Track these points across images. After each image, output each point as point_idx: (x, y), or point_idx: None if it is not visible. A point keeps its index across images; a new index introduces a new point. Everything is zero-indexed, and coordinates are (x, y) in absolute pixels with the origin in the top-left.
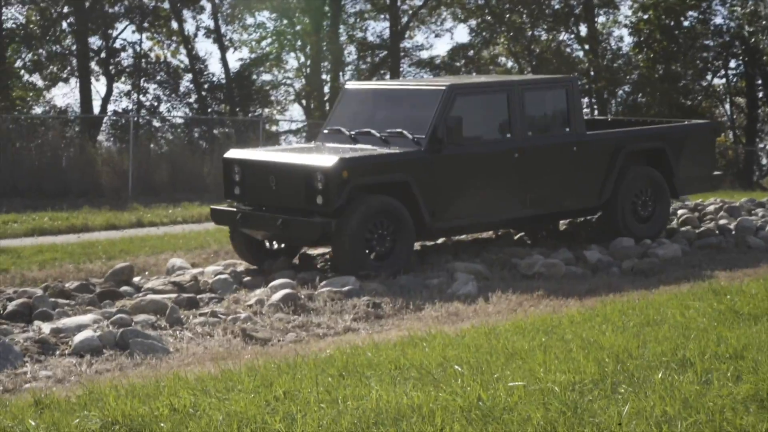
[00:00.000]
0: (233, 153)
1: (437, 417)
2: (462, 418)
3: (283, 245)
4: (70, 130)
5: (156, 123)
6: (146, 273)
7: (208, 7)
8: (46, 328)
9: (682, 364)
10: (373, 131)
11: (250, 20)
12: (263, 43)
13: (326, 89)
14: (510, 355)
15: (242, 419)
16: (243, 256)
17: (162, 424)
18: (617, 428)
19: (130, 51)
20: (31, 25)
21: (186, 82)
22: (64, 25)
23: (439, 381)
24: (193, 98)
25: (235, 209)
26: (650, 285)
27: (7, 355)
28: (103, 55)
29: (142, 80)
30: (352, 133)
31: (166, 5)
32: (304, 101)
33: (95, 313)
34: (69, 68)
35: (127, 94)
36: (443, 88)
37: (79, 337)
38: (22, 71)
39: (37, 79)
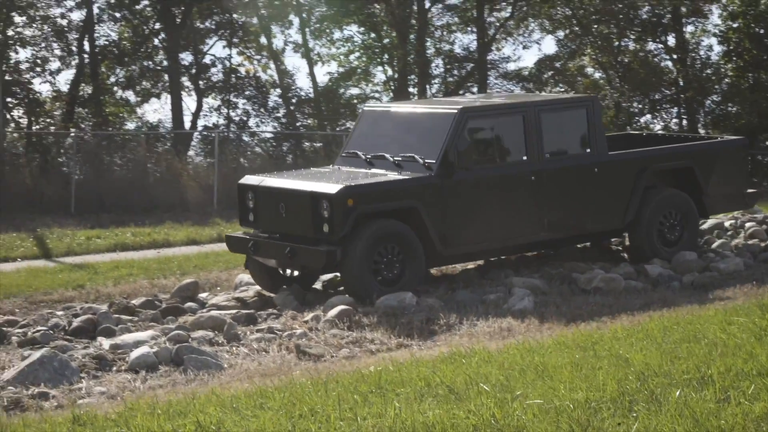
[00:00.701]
0: (247, 179)
1: None
2: None
3: (296, 272)
4: (160, 146)
5: (245, 138)
6: (217, 288)
7: (297, 21)
8: (106, 344)
9: (703, 381)
10: (387, 155)
11: (337, 34)
12: (351, 57)
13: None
14: (540, 373)
15: None
16: (259, 282)
17: None
18: None
19: (220, 66)
20: (124, 42)
21: (274, 96)
22: (156, 41)
23: (462, 399)
24: (281, 113)
25: (247, 237)
26: (706, 300)
27: (63, 371)
28: (193, 71)
29: (231, 95)
30: (368, 157)
31: (255, 21)
32: None
33: (156, 329)
34: (161, 84)
35: (217, 109)
36: (455, 111)
37: (135, 353)
38: (116, 87)
39: (130, 95)
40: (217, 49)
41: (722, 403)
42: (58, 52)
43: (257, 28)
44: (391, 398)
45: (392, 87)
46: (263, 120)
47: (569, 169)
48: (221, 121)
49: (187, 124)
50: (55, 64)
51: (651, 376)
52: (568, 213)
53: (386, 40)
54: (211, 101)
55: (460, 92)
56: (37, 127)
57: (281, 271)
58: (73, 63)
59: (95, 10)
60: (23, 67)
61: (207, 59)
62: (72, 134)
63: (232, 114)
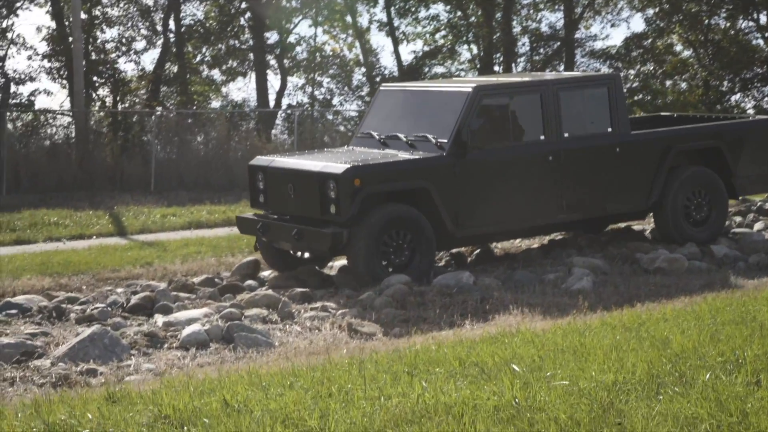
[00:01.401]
0: (257, 160)
1: (466, 416)
2: (490, 417)
3: (307, 254)
4: (244, 125)
5: (329, 116)
6: None
7: (382, 0)
8: (160, 321)
9: (737, 364)
10: (400, 135)
11: (423, 13)
12: (437, 36)
13: None
14: (576, 354)
15: (282, 416)
16: (270, 264)
17: (205, 420)
18: (640, 429)
19: (305, 45)
20: (210, 21)
21: (358, 75)
22: (242, 20)
23: (491, 379)
24: (365, 91)
25: (256, 218)
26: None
27: (114, 348)
28: (277, 50)
29: (315, 74)
30: (382, 137)
31: None
32: None
33: (210, 307)
34: (247, 63)
35: (301, 87)
36: (469, 89)
37: (186, 331)
38: (202, 66)
39: (216, 74)
40: (302, 27)
41: (752, 386)
42: (143, 31)
43: (342, 7)
44: (422, 378)
45: (477, 65)
46: (347, 99)
47: (589, 149)
48: (305, 99)
49: (272, 103)
50: (140, 44)
51: (686, 359)
52: (588, 194)
53: (472, 19)
54: (295, 80)
55: (547, 70)
56: (123, 106)
57: (293, 253)
58: (159, 42)
59: None
60: (109, 46)
61: (292, 38)
62: (156, 113)
63: (316, 93)
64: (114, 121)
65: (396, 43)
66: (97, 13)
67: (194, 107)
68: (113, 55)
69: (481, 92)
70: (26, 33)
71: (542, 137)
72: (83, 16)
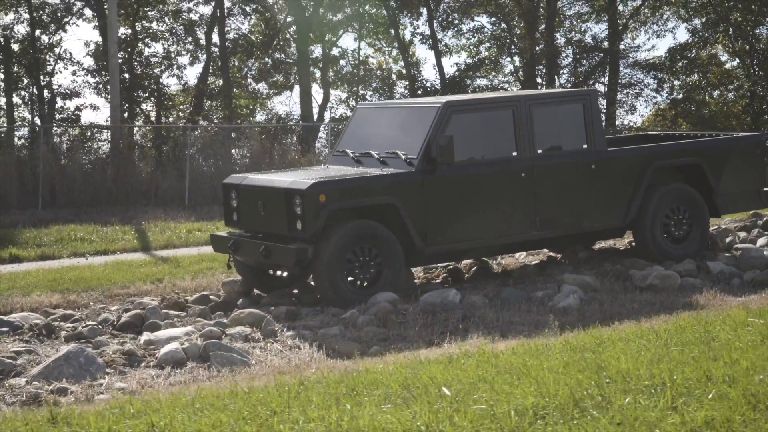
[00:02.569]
0: (231, 178)
1: None
2: None
3: (284, 273)
4: (287, 138)
5: None
6: None
7: (425, 12)
8: (142, 340)
9: (663, 388)
10: (373, 153)
11: (466, 25)
12: (481, 48)
13: None
14: (515, 376)
15: None
16: (247, 282)
17: None
18: None
19: (349, 58)
20: (255, 35)
21: (400, 88)
22: (287, 34)
23: (416, 403)
24: None
25: (229, 236)
26: (755, 299)
27: (89, 366)
28: (320, 64)
29: (359, 87)
30: (356, 155)
31: (384, 12)
32: None
33: (196, 325)
34: (292, 77)
35: (345, 101)
36: (438, 105)
37: (164, 350)
38: (249, 80)
39: (262, 88)
40: (346, 41)
41: (668, 411)
42: (188, 46)
43: (386, 20)
44: (354, 401)
45: (521, 77)
46: None
47: (564, 165)
48: (348, 113)
49: (315, 116)
50: (184, 58)
51: (617, 382)
52: (563, 211)
53: (516, 31)
54: (338, 93)
55: (589, 82)
56: (169, 120)
57: (270, 272)
58: (202, 57)
59: (226, 4)
60: (153, 61)
61: (335, 51)
62: (189, 127)
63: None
64: (157, 135)
65: (438, 55)
66: (141, 28)
67: (238, 121)
68: (157, 70)
69: (450, 108)
70: (74, 48)
71: (515, 153)
72: (128, 31)
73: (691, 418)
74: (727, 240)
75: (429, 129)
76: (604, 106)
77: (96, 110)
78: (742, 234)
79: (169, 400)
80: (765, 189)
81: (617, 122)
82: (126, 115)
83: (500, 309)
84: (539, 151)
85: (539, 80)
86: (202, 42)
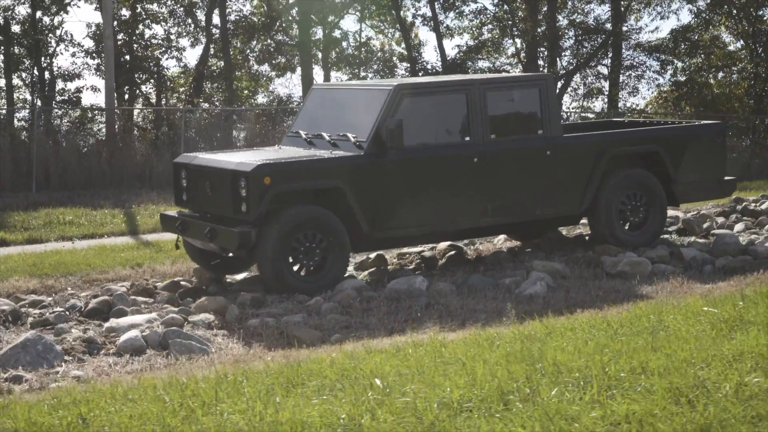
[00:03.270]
0: (181, 158)
1: None
2: None
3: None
4: (288, 119)
5: None
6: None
7: None
8: (104, 327)
9: (590, 380)
10: (324, 134)
11: (468, 7)
12: (483, 29)
13: None
14: (457, 367)
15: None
16: (197, 262)
17: None
18: None
19: (351, 40)
20: (257, 17)
21: (401, 70)
22: (290, 16)
23: (345, 395)
24: None
25: (176, 216)
26: (718, 287)
27: (47, 354)
28: (321, 45)
29: (360, 69)
30: (309, 136)
31: None
32: None
33: (160, 312)
34: (296, 59)
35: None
36: (389, 88)
37: (123, 337)
38: (251, 62)
39: (265, 70)
40: (347, 23)
41: (594, 404)
42: (188, 28)
43: (388, 1)
44: (286, 393)
45: (522, 60)
46: None
47: (518, 152)
48: None
49: None
50: (184, 40)
51: (550, 373)
52: (516, 197)
53: (520, 14)
54: (340, 75)
55: (591, 64)
56: (170, 102)
57: (220, 252)
58: (202, 39)
59: None
60: (153, 42)
61: (337, 33)
62: (192, 110)
63: None
64: (158, 117)
65: (440, 37)
66: (141, 9)
67: (238, 104)
68: (157, 52)
69: (402, 91)
70: (75, 30)
71: (467, 138)
72: (128, 12)
73: (612, 412)
74: (705, 225)
75: (379, 112)
76: (607, 88)
77: (97, 92)
78: (720, 219)
79: (109, 390)
80: (726, 178)
81: (620, 104)
82: (126, 97)
83: (466, 296)
84: (493, 137)
85: (541, 62)
86: (203, 24)
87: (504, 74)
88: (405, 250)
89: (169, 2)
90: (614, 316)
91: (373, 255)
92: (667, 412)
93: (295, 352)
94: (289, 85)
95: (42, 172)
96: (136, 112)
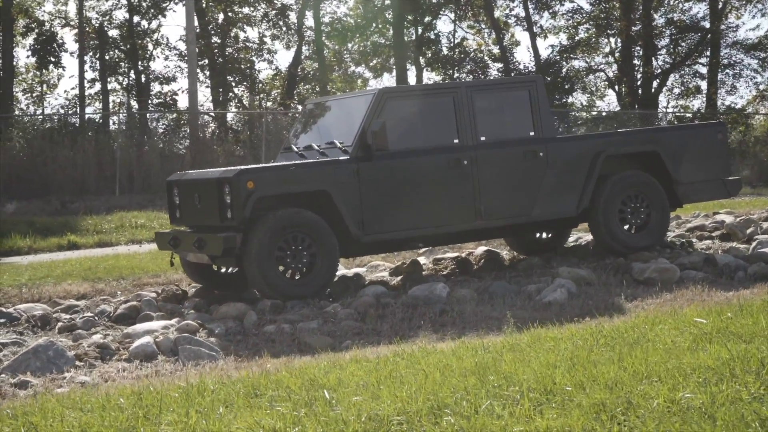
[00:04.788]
0: (173, 176)
1: None
2: None
3: (233, 269)
4: None
5: None
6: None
7: None
8: (121, 333)
9: (530, 393)
10: (314, 145)
11: (564, 6)
12: (579, 29)
13: (638, 75)
14: (422, 378)
15: None
16: (195, 279)
17: None
18: None
19: (444, 41)
20: (356, 18)
21: (494, 70)
22: (386, 16)
23: (288, 405)
24: None
25: (168, 232)
26: (744, 294)
27: (57, 360)
28: (412, 46)
29: (453, 70)
30: (300, 149)
31: None
32: (616, 87)
33: (180, 318)
34: (392, 60)
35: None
36: (373, 93)
37: (136, 343)
38: (348, 63)
39: (361, 70)
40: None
41: (522, 418)
42: (281, 30)
43: (482, 2)
44: (244, 403)
45: (618, 59)
46: None
47: (509, 153)
48: None
49: None
50: (277, 43)
51: (495, 386)
52: (509, 200)
53: (615, 13)
54: (432, 75)
55: (687, 63)
56: (267, 105)
57: (215, 268)
58: (294, 41)
59: None
60: (246, 46)
61: (431, 34)
62: (284, 112)
63: None
64: (251, 119)
65: (533, 37)
66: (234, 13)
67: None
68: (250, 55)
69: (386, 95)
70: (171, 34)
71: (456, 141)
72: (220, 16)
73: (535, 428)
74: (748, 231)
75: (364, 116)
76: (705, 87)
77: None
78: (766, 224)
79: (71, 400)
80: (729, 178)
81: (718, 103)
82: (220, 99)
83: (485, 303)
84: (482, 139)
85: (636, 61)
86: (295, 26)
87: (493, 78)
88: (440, 255)
89: (262, 5)
90: (609, 325)
91: (408, 260)
92: (586, 427)
93: (296, 360)
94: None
95: (125, 175)
96: (230, 116)
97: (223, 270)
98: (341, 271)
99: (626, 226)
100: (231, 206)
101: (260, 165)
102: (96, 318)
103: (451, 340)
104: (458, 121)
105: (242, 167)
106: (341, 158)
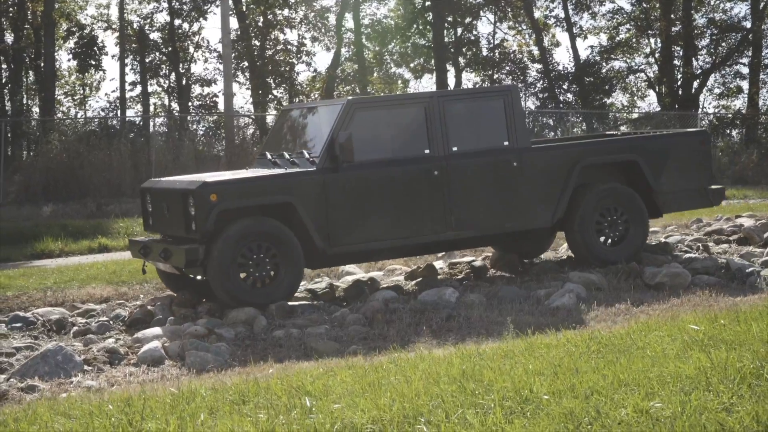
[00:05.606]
0: (147, 183)
1: None
2: None
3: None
4: None
5: None
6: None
7: None
8: (130, 338)
9: (505, 401)
10: (285, 154)
11: (605, 7)
12: (620, 29)
13: (678, 75)
14: (401, 385)
15: None
16: (169, 287)
17: None
18: None
19: (484, 42)
20: (392, 19)
21: (533, 71)
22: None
23: (267, 412)
24: (538, 87)
25: (139, 240)
26: (751, 300)
27: (65, 364)
28: (452, 48)
29: (493, 71)
30: (273, 156)
31: None
32: (656, 87)
33: (191, 322)
34: (432, 61)
35: (476, 85)
36: (342, 103)
37: (144, 348)
38: (390, 64)
39: (402, 72)
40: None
41: (492, 427)
42: (320, 32)
43: (522, 3)
44: (229, 410)
45: (658, 59)
46: (524, 95)
47: (482, 163)
48: None
49: None
50: (316, 45)
51: (471, 394)
52: (482, 210)
53: (656, 14)
54: (471, 77)
55: (727, 63)
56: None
57: (190, 276)
58: (333, 43)
59: None
60: (286, 48)
61: (471, 35)
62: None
63: None
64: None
65: (573, 38)
66: (273, 16)
67: None
68: (288, 57)
69: (354, 106)
70: (212, 36)
71: (427, 151)
72: (260, 18)
73: None
74: (765, 235)
75: (332, 127)
76: (746, 87)
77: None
78: None
79: (62, 406)
80: (713, 187)
81: (760, 103)
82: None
83: (493, 308)
84: (454, 149)
85: (676, 62)
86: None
87: (465, 88)
88: (456, 259)
89: (301, 8)
90: (605, 332)
91: (423, 265)
92: None
93: (296, 365)
94: (418, 87)
95: (161, 177)
96: (269, 118)
97: (197, 278)
98: (356, 275)
99: (602, 238)
100: (195, 218)
101: (225, 177)
102: (110, 322)
103: (451, 346)
104: (429, 132)
105: (207, 179)
106: (307, 170)
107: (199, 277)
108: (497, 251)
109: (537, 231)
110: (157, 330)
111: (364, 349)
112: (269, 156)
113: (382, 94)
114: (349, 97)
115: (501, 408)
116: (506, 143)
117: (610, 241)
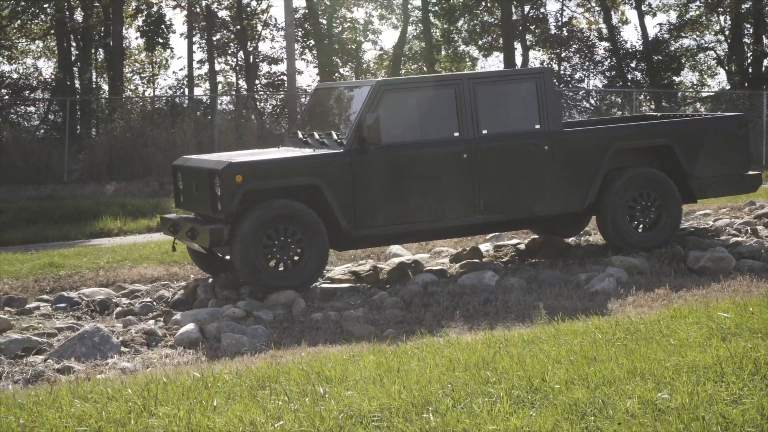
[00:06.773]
0: (179, 160)
1: None
2: None
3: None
4: None
5: (568, 93)
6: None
7: None
8: (171, 319)
9: (514, 390)
10: (315, 134)
11: None
12: (690, 6)
13: (748, 53)
14: (417, 374)
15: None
16: (198, 265)
17: None
18: None
19: (552, 19)
20: None
21: (600, 50)
22: None
23: (279, 398)
24: (605, 65)
25: (170, 218)
26: None
27: (102, 346)
28: (519, 26)
29: (560, 49)
30: (305, 136)
31: None
32: (726, 65)
33: (230, 304)
34: (501, 39)
35: (543, 63)
36: (371, 85)
37: (181, 330)
38: (459, 42)
39: (471, 50)
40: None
41: (500, 416)
42: (388, 10)
43: None
44: (247, 395)
45: (727, 38)
46: (591, 73)
47: (513, 146)
48: None
49: None
50: (383, 23)
51: (483, 384)
52: (511, 194)
53: None
54: (539, 55)
55: None
56: None
57: (219, 256)
58: (401, 20)
59: None
60: (354, 26)
61: (536, 13)
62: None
63: (560, 68)
64: None
65: (641, 15)
66: None
67: None
68: (355, 35)
69: (383, 88)
70: (279, 15)
71: (456, 134)
72: None
73: (506, 427)
74: None
75: (360, 108)
76: None
77: (299, 74)
78: None
79: (82, 389)
80: (750, 173)
81: None
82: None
83: (532, 292)
84: (484, 132)
85: (746, 39)
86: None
87: (501, 69)
88: (502, 242)
89: None
90: (636, 319)
91: (468, 248)
92: (555, 428)
93: (327, 349)
94: (485, 66)
95: None
96: None
97: (226, 257)
98: (402, 257)
99: (635, 223)
100: (221, 198)
101: (252, 158)
102: (154, 303)
103: (482, 331)
104: (459, 114)
105: (233, 159)
106: (334, 151)
107: (223, 256)
108: (540, 234)
109: (568, 216)
110: (196, 312)
111: (398, 332)
112: (300, 135)
113: (411, 76)
114: (378, 78)
115: (509, 397)
116: (537, 126)
117: (642, 227)
